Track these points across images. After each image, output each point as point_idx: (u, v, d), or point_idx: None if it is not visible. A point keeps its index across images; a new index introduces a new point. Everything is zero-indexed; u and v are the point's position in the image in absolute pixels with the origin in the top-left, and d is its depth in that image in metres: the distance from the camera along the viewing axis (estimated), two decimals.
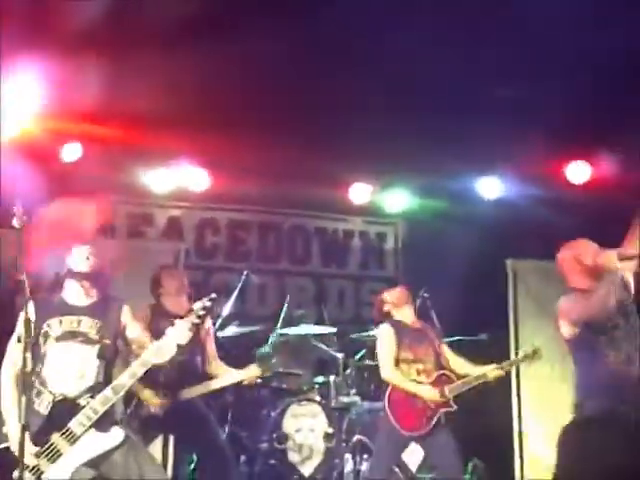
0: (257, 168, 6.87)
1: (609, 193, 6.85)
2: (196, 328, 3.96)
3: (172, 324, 3.86)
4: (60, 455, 3.62)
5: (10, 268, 3.40)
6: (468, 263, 7.02)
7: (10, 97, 5.61)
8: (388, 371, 5.21)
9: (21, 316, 3.43)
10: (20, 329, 3.43)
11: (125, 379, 3.75)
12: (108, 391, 3.71)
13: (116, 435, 3.72)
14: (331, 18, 5.26)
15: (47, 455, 3.59)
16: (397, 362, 5.21)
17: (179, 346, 3.85)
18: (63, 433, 3.63)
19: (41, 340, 3.75)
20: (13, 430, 3.56)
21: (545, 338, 6.64)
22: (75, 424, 3.65)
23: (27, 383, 3.33)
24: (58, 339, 3.80)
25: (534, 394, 6.68)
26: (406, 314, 5.41)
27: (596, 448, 2.17)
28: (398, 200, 7.75)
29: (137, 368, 3.77)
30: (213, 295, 3.99)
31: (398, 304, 5.43)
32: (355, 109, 6.10)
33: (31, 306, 3.55)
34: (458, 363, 5.37)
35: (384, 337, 5.32)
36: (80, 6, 4.97)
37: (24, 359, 3.27)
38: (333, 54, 5.62)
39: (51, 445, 3.61)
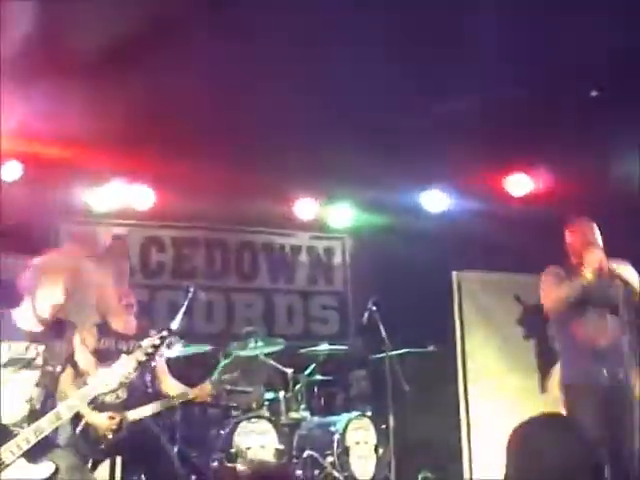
0: (202, 185, 6.85)
1: (549, 205, 7.01)
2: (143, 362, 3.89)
3: (118, 350, 3.79)
4: None
5: None
6: (415, 276, 7.09)
7: None
8: None
9: None
10: None
11: (63, 410, 3.66)
12: (43, 421, 3.61)
13: (45, 468, 3.59)
14: (270, 39, 5.30)
15: None
16: None
17: (122, 382, 3.80)
18: None
19: None
20: None
21: (492, 349, 6.77)
22: (5, 452, 3.53)
23: None
24: (4, 366, 3.70)
25: (482, 405, 6.76)
26: None
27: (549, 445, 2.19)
28: (344, 215, 7.81)
29: (76, 401, 3.70)
30: (164, 333, 3.94)
31: None
32: (297, 125, 6.14)
33: None
34: None
35: None
36: (14, 29, 4.92)
37: None
38: (273, 70, 5.65)
39: None
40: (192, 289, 6.17)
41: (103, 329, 5.05)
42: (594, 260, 4.62)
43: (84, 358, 4.02)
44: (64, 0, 4.83)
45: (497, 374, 6.52)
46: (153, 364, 5.04)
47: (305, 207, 7.65)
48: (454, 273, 7.06)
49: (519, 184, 7.44)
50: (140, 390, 4.96)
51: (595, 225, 4.91)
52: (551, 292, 4.78)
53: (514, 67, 5.60)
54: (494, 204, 7.27)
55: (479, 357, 6.66)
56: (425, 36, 5.35)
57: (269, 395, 6.35)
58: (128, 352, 4.16)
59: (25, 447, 3.54)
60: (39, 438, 3.57)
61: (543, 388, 5.74)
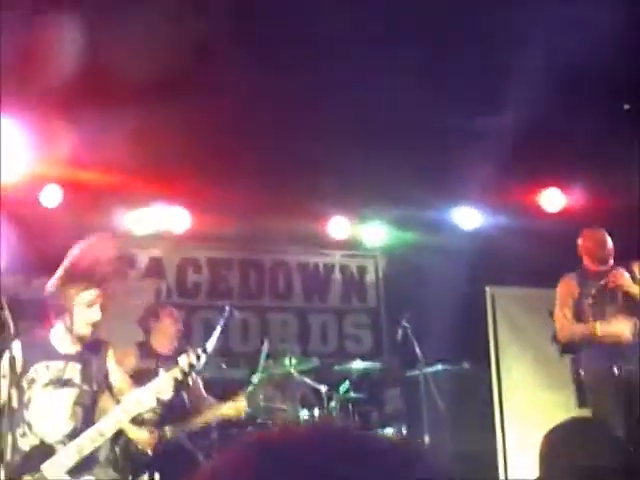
0: (236, 206, 6.95)
1: (582, 221, 6.98)
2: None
3: (157, 370, 3.85)
4: None
5: None
6: (448, 292, 7.09)
7: None
8: None
9: (6, 354, 3.44)
10: (5, 367, 3.44)
11: (105, 426, 3.72)
12: (85, 438, 3.67)
13: None
14: (301, 62, 5.41)
15: None
16: None
17: (160, 399, 3.85)
18: (33, 476, 3.59)
19: (25, 384, 3.74)
20: None
21: (527, 365, 6.73)
22: (47, 468, 3.60)
23: (12, 420, 3.32)
24: (44, 386, 3.79)
25: (518, 421, 6.72)
26: None
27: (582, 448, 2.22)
28: (377, 233, 7.84)
29: (114, 420, 3.77)
30: (200, 351, 4.00)
31: None
32: (330, 145, 6.22)
33: (17, 344, 3.57)
34: None
35: None
36: (60, 58, 5.09)
37: (9, 396, 3.26)
38: (305, 93, 5.75)
39: None
40: (228, 309, 6.26)
41: (144, 348, 5.11)
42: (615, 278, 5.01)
43: (119, 379, 4.07)
44: (104, 30, 5.00)
45: (532, 390, 6.48)
46: (190, 382, 5.09)
47: (338, 226, 7.70)
48: (488, 289, 7.05)
49: (552, 200, 7.43)
50: (177, 407, 5.01)
51: (607, 235, 5.21)
52: (564, 330, 5.18)
53: (546, 83, 5.63)
54: (527, 220, 7.26)
55: (514, 373, 6.63)
56: (456, 54, 5.41)
57: (304, 413, 6.38)
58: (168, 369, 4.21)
59: (68, 464, 3.61)
60: (82, 456, 3.64)
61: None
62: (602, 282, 5.08)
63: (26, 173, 6.13)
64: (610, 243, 5.21)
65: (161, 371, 3.92)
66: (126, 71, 5.19)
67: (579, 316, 5.09)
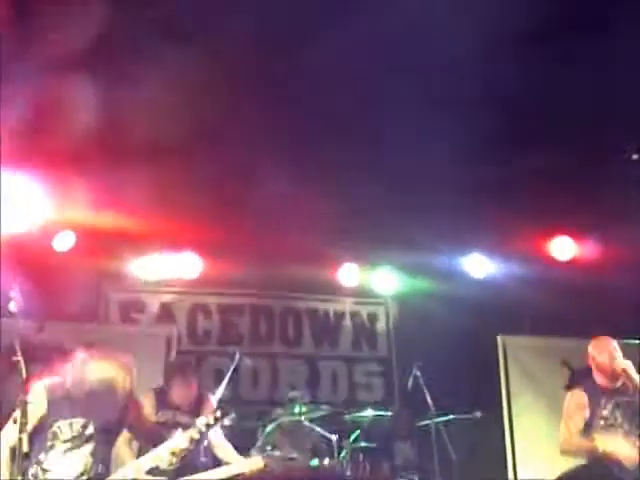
0: (246, 252, 6.99)
1: (594, 269, 6.97)
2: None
3: (176, 423, 3.88)
4: None
5: (7, 352, 3.42)
6: (460, 340, 7.06)
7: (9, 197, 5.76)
8: None
9: (19, 399, 3.45)
10: (17, 412, 3.45)
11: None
12: None
13: None
14: (309, 112, 5.50)
15: None
16: None
17: (175, 453, 3.87)
18: None
19: (50, 435, 3.78)
20: None
21: (539, 414, 6.66)
22: None
23: (22, 463, 3.32)
24: (65, 441, 3.82)
25: (531, 470, 6.62)
26: None
27: None
28: (387, 280, 7.82)
29: (131, 472, 3.81)
30: (218, 413, 4.02)
31: None
32: (340, 192, 6.26)
33: (42, 392, 3.63)
34: None
35: None
36: (76, 111, 5.21)
37: (19, 440, 3.27)
38: (313, 140, 5.83)
39: None
40: (238, 356, 6.24)
41: (162, 397, 5.11)
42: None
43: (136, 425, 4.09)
44: (117, 84, 5.11)
45: (545, 438, 6.37)
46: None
47: (348, 272, 7.70)
48: (499, 338, 7.02)
49: (563, 248, 7.42)
50: (194, 458, 4.97)
51: (616, 342, 5.01)
52: (568, 444, 4.96)
53: (558, 130, 5.68)
54: (538, 268, 7.24)
55: (526, 422, 6.56)
56: (469, 97, 5.47)
57: (314, 462, 6.30)
58: (185, 427, 4.21)
59: None
60: None
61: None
62: (613, 400, 4.89)
63: (40, 221, 6.20)
64: (620, 356, 4.97)
65: (179, 432, 3.95)
66: (138, 122, 5.29)
67: (586, 432, 4.86)
